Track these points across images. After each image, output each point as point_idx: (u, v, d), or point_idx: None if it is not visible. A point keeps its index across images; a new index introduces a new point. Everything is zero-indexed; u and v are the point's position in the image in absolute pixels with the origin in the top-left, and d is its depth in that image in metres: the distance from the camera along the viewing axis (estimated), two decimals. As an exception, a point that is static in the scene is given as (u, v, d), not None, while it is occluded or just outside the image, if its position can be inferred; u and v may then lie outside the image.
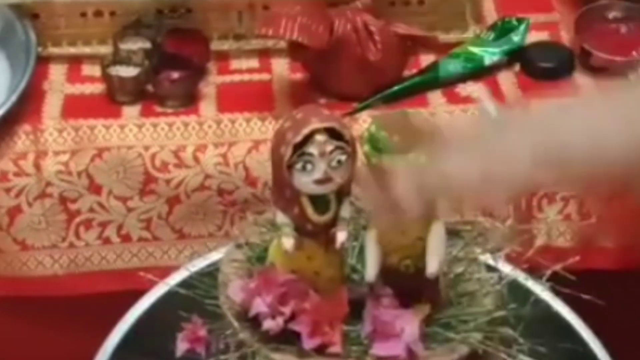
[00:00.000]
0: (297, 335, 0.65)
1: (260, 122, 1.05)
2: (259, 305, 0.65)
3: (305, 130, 0.62)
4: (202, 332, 0.71)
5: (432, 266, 0.65)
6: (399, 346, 0.64)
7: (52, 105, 1.07)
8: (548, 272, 0.72)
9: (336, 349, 0.66)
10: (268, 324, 0.65)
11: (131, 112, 1.06)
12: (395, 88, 1.07)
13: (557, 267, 0.72)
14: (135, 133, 1.04)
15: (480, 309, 0.69)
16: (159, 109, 1.06)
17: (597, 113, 0.63)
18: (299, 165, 0.63)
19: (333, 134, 0.63)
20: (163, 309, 0.89)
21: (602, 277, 0.99)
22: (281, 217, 0.66)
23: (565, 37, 1.15)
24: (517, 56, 1.11)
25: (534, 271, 0.75)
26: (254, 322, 0.66)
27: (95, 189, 1.03)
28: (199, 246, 1.05)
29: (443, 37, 1.12)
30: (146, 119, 1.05)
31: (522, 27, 1.12)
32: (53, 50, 1.11)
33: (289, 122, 0.64)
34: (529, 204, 0.77)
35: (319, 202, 0.65)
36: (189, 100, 1.07)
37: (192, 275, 0.78)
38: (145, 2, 1.10)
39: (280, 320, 0.65)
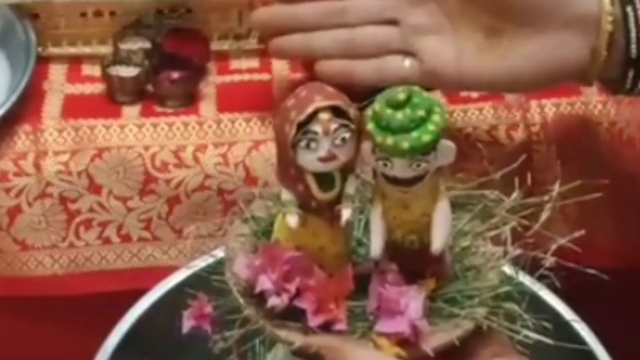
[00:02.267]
0: (302, 312, 0.65)
1: (260, 122, 1.05)
2: (264, 282, 0.65)
3: (309, 109, 0.62)
4: (208, 309, 0.70)
5: (437, 242, 0.65)
6: (403, 323, 0.64)
7: (52, 105, 1.07)
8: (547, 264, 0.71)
9: (341, 326, 0.65)
10: (273, 301, 0.65)
11: (131, 112, 1.06)
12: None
13: (552, 259, 0.70)
14: (135, 133, 1.04)
15: (484, 283, 0.69)
16: (159, 109, 1.06)
17: None
18: (303, 144, 0.62)
19: (337, 111, 0.62)
20: (163, 309, 0.89)
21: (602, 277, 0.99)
22: (286, 194, 0.66)
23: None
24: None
25: (533, 271, 0.75)
26: (260, 299, 0.66)
27: (95, 189, 1.03)
28: (199, 246, 1.05)
29: (443, 37, 1.12)
30: (146, 119, 1.05)
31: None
32: (53, 50, 1.11)
33: (293, 100, 0.63)
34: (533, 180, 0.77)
35: (324, 180, 0.65)
36: (189, 100, 1.07)
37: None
38: (145, 2, 1.10)
39: (285, 298, 0.65)
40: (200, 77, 1.09)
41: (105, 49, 1.10)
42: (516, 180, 0.71)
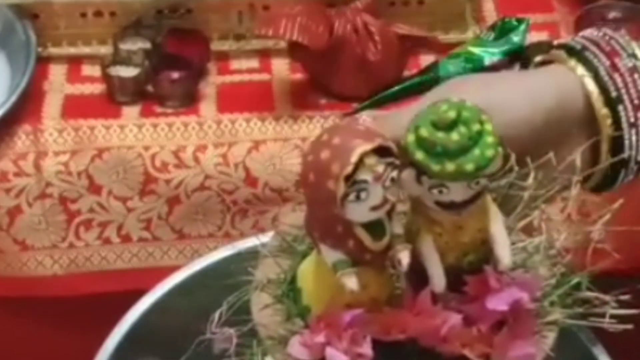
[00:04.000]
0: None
1: (260, 122, 1.05)
2: (335, 357, 0.57)
3: (354, 158, 0.54)
4: None
5: (506, 258, 0.57)
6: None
7: (52, 105, 1.07)
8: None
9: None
10: None
11: (131, 112, 1.06)
12: (395, 88, 1.07)
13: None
14: (135, 133, 1.04)
15: (547, 281, 0.61)
16: (159, 109, 1.06)
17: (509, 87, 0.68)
18: (352, 197, 0.55)
19: (379, 150, 0.55)
20: (163, 309, 0.88)
21: (601, 277, 0.99)
22: (334, 255, 0.58)
23: (565, 37, 1.15)
24: (517, 56, 1.11)
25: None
26: None
27: (95, 189, 1.03)
28: (199, 246, 1.06)
29: (443, 37, 1.12)
30: (146, 119, 1.05)
31: (522, 27, 1.12)
32: (53, 50, 1.12)
33: (328, 151, 0.55)
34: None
35: (375, 228, 0.57)
36: (189, 100, 1.07)
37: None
38: (145, 2, 1.10)
39: None
40: (200, 77, 1.09)
41: (105, 49, 1.10)
42: (528, 159, 0.64)
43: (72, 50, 1.12)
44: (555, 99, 0.68)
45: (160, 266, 1.05)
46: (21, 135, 1.03)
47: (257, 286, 0.64)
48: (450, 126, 0.54)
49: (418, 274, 0.59)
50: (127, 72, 1.07)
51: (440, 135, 0.54)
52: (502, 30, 1.12)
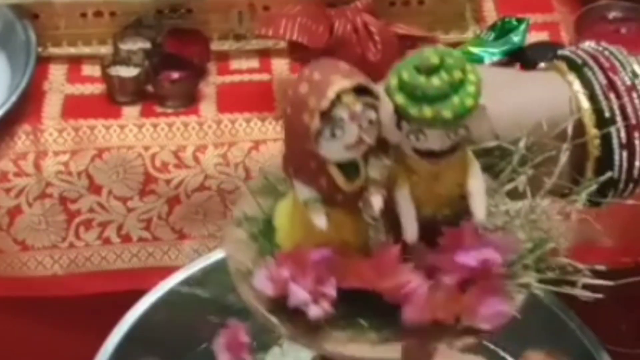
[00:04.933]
0: (351, 316, 0.57)
1: (260, 122, 1.05)
2: (298, 293, 0.57)
3: (331, 94, 0.54)
4: (244, 337, 0.62)
5: (480, 213, 0.57)
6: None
7: (52, 105, 1.07)
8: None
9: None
10: (314, 312, 0.56)
11: (131, 112, 1.06)
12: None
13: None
14: (135, 133, 1.04)
15: (524, 245, 0.61)
16: (159, 109, 1.06)
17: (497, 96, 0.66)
18: (327, 133, 0.54)
19: (358, 89, 0.55)
20: (163, 309, 0.89)
21: (601, 276, 0.99)
22: (306, 192, 0.57)
23: (565, 37, 1.15)
24: (517, 56, 1.11)
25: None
26: (294, 311, 0.58)
27: (95, 189, 1.03)
28: (199, 246, 1.06)
29: (443, 37, 1.12)
30: (146, 119, 1.05)
31: (522, 27, 1.12)
32: (53, 50, 1.11)
33: (306, 85, 0.55)
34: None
35: (349, 168, 0.57)
36: (189, 100, 1.07)
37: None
38: (145, 2, 1.10)
39: (325, 304, 0.57)
40: (200, 77, 1.09)
41: (105, 49, 1.10)
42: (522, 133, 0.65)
43: (72, 50, 1.12)
44: (545, 115, 0.67)
45: (160, 266, 1.05)
46: (21, 135, 1.03)
47: (233, 221, 0.64)
48: (432, 71, 0.54)
49: (398, 229, 0.59)
50: (127, 72, 1.07)
51: (421, 79, 0.54)
52: (502, 30, 1.12)
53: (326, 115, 0.54)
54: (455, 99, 0.54)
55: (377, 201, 0.57)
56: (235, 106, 1.07)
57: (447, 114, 0.54)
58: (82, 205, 1.03)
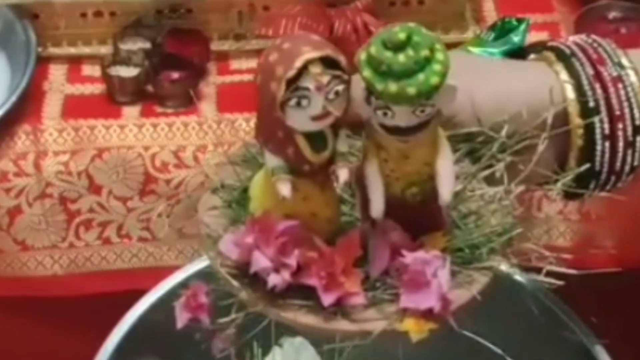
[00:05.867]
0: (308, 289, 0.58)
1: (260, 122, 1.05)
2: (260, 260, 0.58)
3: (298, 63, 0.55)
4: (203, 299, 0.62)
5: (446, 193, 0.57)
6: (431, 297, 0.57)
7: (52, 105, 1.07)
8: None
9: (359, 299, 0.58)
10: (273, 280, 0.57)
11: (131, 112, 1.06)
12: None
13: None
14: (135, 133, 1.04)
15: (491, 228, 0.62)
16: (159, 109, 1.06)
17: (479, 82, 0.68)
18: (293, 102, 0.55)
19: (328, 62, 0.55)
20: (163, 309, 0.89)
21: (601, 277, 0.99)
22: (273, 160, 0.58)
23: (565, 37, 1.15)
24: (517, 56, 1.11)
25: (531, 270, 0.75)
26: (256, 278, 0.59)
27: (95, 189, 1.03)
28: (199, 246, 1.05)
29: (443, 37, 1.12)
30: (146, 119, 1.05)
31: (522, 27, 1.11)
32: (53, 50, 1.11)
33: (276, 54, 0.56)
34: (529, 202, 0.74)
35: (316, 139, 0.57)
36: (189, 100, 1.07)
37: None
38: (145, 2, 1.10)
39: (286, 274, 0.58)
40: (200, 77, 1.09)
41: (105, 49, 1.10)
42: (504, 119, 0.66)
43: (72, 50, 1.12)
44: (528, 104, 0.67)
45: (160, 266, 1.05)
46: (21, 135, 1.03)
47: (210, 188, 0.66)
48: (399, 47, 0.54)
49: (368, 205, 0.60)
50: (127, 72, 1.07)
51: (388, 54, 0.54)
52: (502, 30, 1.12)
53: (292, 84, 0.55)
54: (421, 77, 0.54)
55: (343, 174, 0.58)
56: (235, 106, 1.07)
57: (411, 90, 0.54)
58: (82, 205, 1.03)
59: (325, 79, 0.55)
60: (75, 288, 1.06)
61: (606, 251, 1.05)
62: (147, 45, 1.09)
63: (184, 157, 1.03)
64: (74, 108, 1.06)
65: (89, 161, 1.02)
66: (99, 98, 1.08)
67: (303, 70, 0.55)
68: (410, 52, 0.54)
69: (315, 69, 0.55)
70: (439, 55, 0.55)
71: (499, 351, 0.90)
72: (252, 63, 1.12)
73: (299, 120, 0.56)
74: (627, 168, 0.70)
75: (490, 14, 1.17)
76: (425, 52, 0.54)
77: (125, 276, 1.05)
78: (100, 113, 1.05)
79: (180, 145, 1.03)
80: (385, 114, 0.56)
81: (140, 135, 1.04)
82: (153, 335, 0.87)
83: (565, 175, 0.67)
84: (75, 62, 1.12)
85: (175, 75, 1.06)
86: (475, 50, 1.10)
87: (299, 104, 0.55)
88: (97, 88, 1.09)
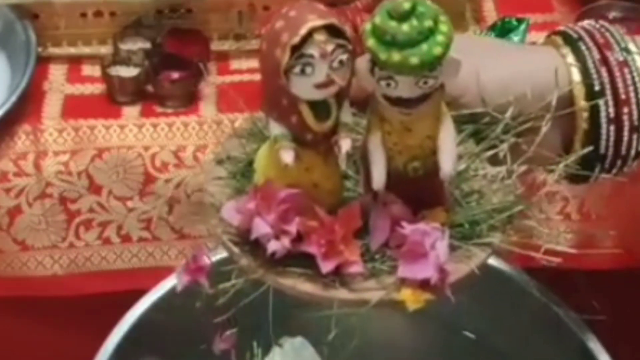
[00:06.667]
0: (307, 258, 0.58)
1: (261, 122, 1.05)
2: (261, 226, 0.58)
3: (303, 30, 0.55)
4: (206, 261, 0.62)
5: (447, 166, 0.58)
6: (429, 267, 0.57)
7: (52, 105, 1.07)
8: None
9: (357, 268, 0.58)
10: (273, 246, 0.57)
11: (131, 112, 1.06)
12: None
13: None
14: (135, 133, 1.04)
15: (492, 206, 0.62)
16: (159, 109, 1.06)
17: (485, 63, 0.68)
18: (297, 69, 0.56)
19: (333, 31, 0.56)
20: (163, 309, 0.89)
21: (602, 277, 0.99)
22: (277, 128, 0.59)
23: (565, 37, 1.15)
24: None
25: (531, 270, 0.75)
26: (256, 246, 0.59)
27: (95, 189, 1.03)
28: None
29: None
30: (146, 119, 1.05)
31: (522, 27, 1.12)
32: (53, 50, 1.11)
33: (282, 22, 0.56)
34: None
35: (320, 108, 0.58)
36: (189, 100, 1.07)
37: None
38: (145, 2, 1.10)
39: (286, 241, 0.58)
40: (200, 77, 1.09)
41: (105, 49, 1.10)
42: (509, 100, 0.66)
43: (72, 50, 1.12)
44: (534, 85, 0.68)
45: (160, 266, 1.05)
46: (21, 135, 1.03)
47: (216, 159, 0.66)
48: (404, 17, 0.55)
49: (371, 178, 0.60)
50: (127, 72, 1.07)
51: (392, 24, 0.55)
52: (502, 30, 1.12)
53: (297, 51, 0.55)
54: (424, 47, 0.55)
55: (345, 144, 0.58)
56: (235, 106, 1.06)
57: (414, 60, 0.54)
58: (82, 205, 1.03)
59: (329, 47, 0.56)
60: (75, 288, 1.06)
61: (606, 251, 1.05)
62: (147, 45, 1.09)
63: (184, 157, 1.03)
64: (74, 108, 1.06)
65: (89, 161, 1.02)
66: (99, 98, 1.08)
67: (308, 37, 0.55)
68: (414, 22, 0.54)
69: (320, 36, 0.55)
70: (443, 27, 0.55)
71: (501, 350, 0.90)
72: (252, 63, 1.12)
73: (303, 88, 0.57)
74: (632, 152, 0.70)
75: (490, 14, 1.17)
76: (429, 23, 0.55)
77: (125, 276, 1.05)
78: (100, 113, 1.05)
79: (180, 145, 1.03)
80: (388, 85, 0.56)
81: (140, 135, 1.04)
82: (153, 335, 0.87)
83: (568, 157, 0.67)
84: (75, 62, 1.12)
85: (175, 75, 1.06)
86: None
87: (303, 71, 0.56)
88: (97, 88, 1.09)
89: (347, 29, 0.56)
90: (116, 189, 1.03)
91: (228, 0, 1.11)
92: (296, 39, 0.55)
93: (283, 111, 0.58)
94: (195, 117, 1.05)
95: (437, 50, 0.55)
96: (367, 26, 0.56)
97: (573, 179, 0.71)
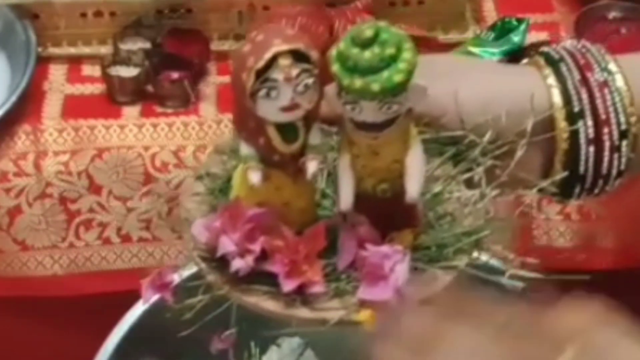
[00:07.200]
0: (272, 276, 0.59)
1: (260, 122, 1.05)
2: (226, 244, 0.59)
3: (268, 55, 0.56)
4: (169, 277, 0.64)
5: (412, 190, 0.59)
6: (387, 290, 0.58)
7: (52, 105, 1.07)
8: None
9: (318, 288, 0.59)
10: (236, 264, 0.59)
11: (131, 112, 1.06)
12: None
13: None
14: (135, 133, 1.04)
15: (462, 229, 0.63)
16: (159, 109, 1.06)
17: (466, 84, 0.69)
18: (262, 93, 0.57)
19: (298, 56, 0.57)
20: (163, 309, 0.89)
21: (602, 277, 0.99)
22: (245, 149, 0.60)
23: (565, 37, 1.15)
24: (517, 56, 1.11)
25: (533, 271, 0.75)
26: (223, 263, 0.60)
27: (95, 189, 1.03)
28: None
29: (443, 37, 1.12)
30: (146, 119, 1.05)
31: (522, 27, 1.12)
32: (53, 50, 1.12)
33: (249, 46, 0.58)
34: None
35: (287, 131, 0.59)
36: (189, 100, 1.07)
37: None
38: (145, 2, 1.10)
39: (249, 259, 0.59)
40: (200, 77, 1.09)
41: (105, 49, 1.10)
42: (488, 120, 0.66)
43: (72, 50, 1.12)
44: (513, 106, 0.68)
45: (160, 266, 1.05)
46: (21, 135, 1.03)
47: (196, 175, 0.67)
48: (366, 44, 0.55)
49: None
50: (127, 72, 1.07)
51: (355, 51, 0.55)
52: (502, 30, 1.12)
53: (262, 75, 0.56)
54: (385, 74, 0.55)
55: (312, 166, 0.60)
56: (235, 106, 1.07)
57: (375, 86, 0.55)
58: (82, 205, 1.03)
59: (294, 71, 0.57)
60: (75, 288, 1.06)
61: (606, 251, 1.05)
62: (147, 45, 1.09)
63: (184, 157, 1.03)
64: (74, 108, 1.06)
65: (89, 161, 1.02)
66: (99, 98, 1.08)
67: (272, 62, 0.56)
68: (376, 49, 0.55)
69: (285, 61, 0.56)
70: (406, 54, 0.56)
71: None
72: (252, 63, 1.12)
73: (269, 110, 0.58)
74: (614, 172, 0.70)
75: (490, 14, 1.17)
76: (391, 50, 0.55)
77: (125, 276, 1.05)
78: (100, 113, 1.06)
79: (180, 145, 1.03)
80: (353, 109, 0.57)
81: (140, 135, 1.04)
82: (153, 335, 0.87)
83: (544, 181, 0.68)
84: (75, 62, 1.12)
85: (175, 75, 1.06)
86: (475, 50, 1.10)
87: (268, 94, 0.57)
88: (97, 88, 1.09)
89: (313, 54, 0.57)
90: (116, 189, 1.03)
91: (228, 0, 1.11)
92: (261, 63, 0.56)
93: (251, 132, 0.60)
94: (195, 117, 1.05)
95: (398, 77, 0.55)
96: (333, 51, 0.57)
97: (557, 196, 0.71)
